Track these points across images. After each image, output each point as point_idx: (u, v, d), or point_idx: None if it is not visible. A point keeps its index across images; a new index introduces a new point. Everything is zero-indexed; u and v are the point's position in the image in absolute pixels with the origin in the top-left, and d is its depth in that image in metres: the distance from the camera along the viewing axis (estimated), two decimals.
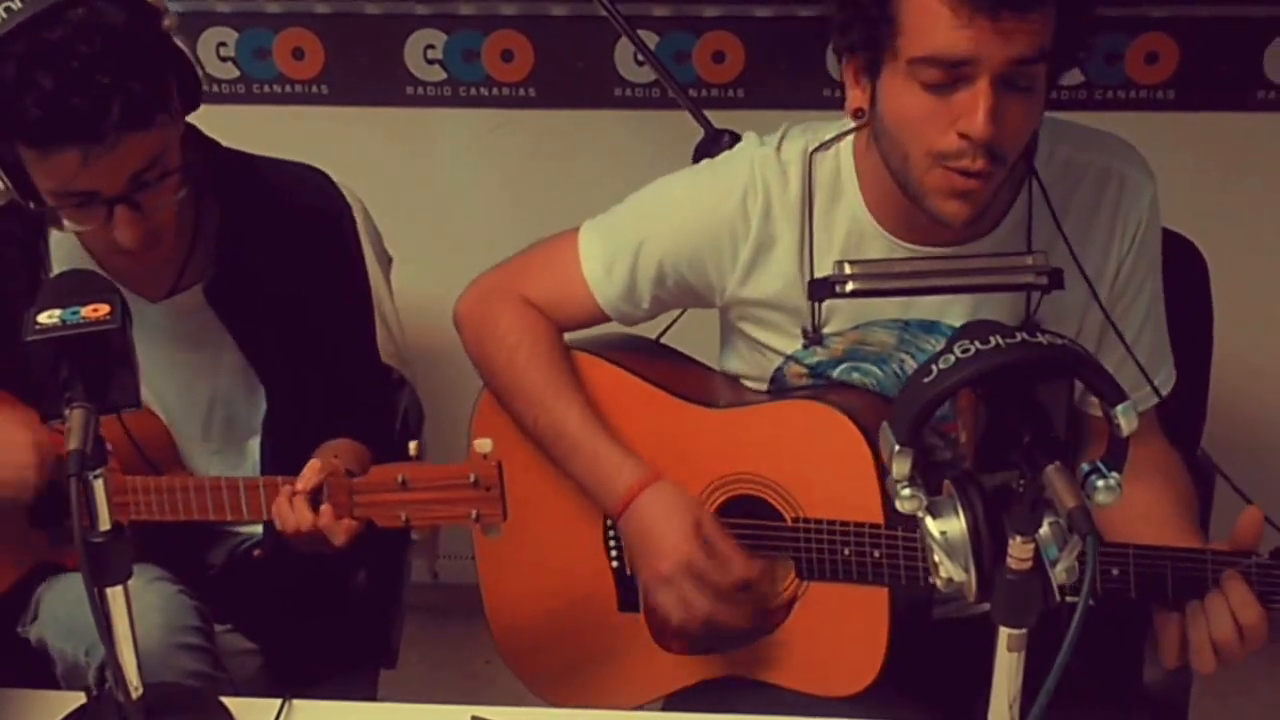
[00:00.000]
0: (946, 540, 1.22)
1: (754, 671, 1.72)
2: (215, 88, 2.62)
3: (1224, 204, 2.53)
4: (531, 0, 2.54)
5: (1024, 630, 1.22)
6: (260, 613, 1.91)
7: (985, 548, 1.21)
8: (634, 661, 1.79)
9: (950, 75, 1.42)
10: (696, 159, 2.06)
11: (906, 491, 1.22)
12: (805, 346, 1.69)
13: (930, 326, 1.65)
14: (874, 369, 1.69)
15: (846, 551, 1.63)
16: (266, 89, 2.65)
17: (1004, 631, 1.23)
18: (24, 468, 1.69)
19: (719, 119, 2.18)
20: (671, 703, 1.78)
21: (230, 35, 2.61)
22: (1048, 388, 1.21)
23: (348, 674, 1.90)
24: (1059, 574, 1.19)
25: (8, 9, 1.51)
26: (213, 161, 1.78)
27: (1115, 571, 1.49)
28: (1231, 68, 2.50)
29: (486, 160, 2.69)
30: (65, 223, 1.64)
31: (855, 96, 1.54)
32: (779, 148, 1.66)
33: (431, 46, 2.60)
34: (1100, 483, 1.20)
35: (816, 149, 1.64)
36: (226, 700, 1.56)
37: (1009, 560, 1.20)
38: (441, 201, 2.73)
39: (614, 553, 1.79)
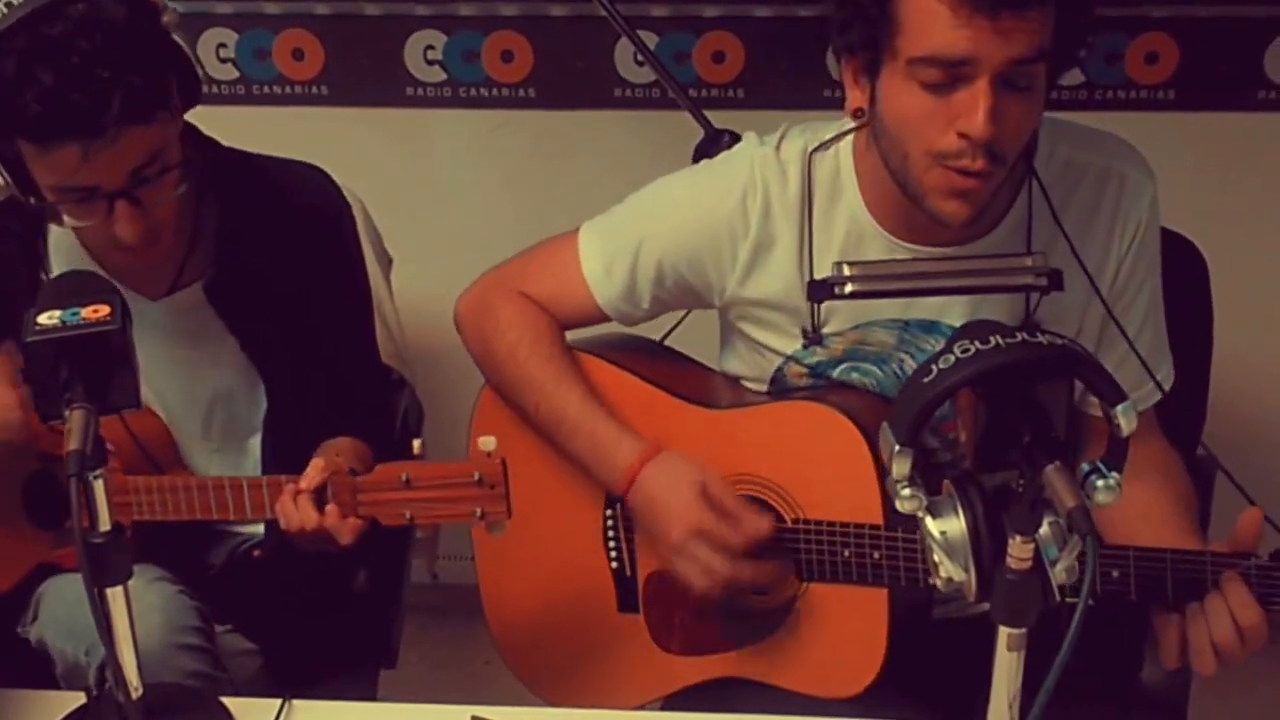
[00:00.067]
0: (946, 540, 1.22)
1: (754, 672, 1.72)
2: (215, 89, 2.62)
3: (1224, 204, 2.53)
4: (531, 0, 2.55)
5: (1023, 630, 1.22)
6: (260, 613, 1.91)
7: (985, 548, 1.21)
8: (634, 662, 1.79)
9: (950, 75, 1.42)
10: (696, 159, 2.06)
11: (906, 491, 1.22)
12: (805, 347, 1.69)
13: (930, 326, 1.65)
14: (874, 369, 1.69)
15: (846, 553, 1.63)
16: (266, 90, 2.65)
17: (1004, 631, 1.23)
18: (7, 409, 1.68)
19: (719, 119, 2.18)
20: (671, 703, 1.78)
21: (230, 36, 2.61)
22: (1048, 388, 1.21)
23: (348, 674, 1.90)
24: (1059, 574, 1.19)
25: (8, 4, 1.51)
26: (212, 159, 1.78)
27: (1116, 574, 1.49)
28: (1232, 68, 2.50)
29: (486, 160, 2.69)
30: (65, 218, 1.64)
31: (855, 96, 1.54)
32: (778, 147, 1.66)
33: (431, 47, 2.60)
34: (1100, 483, 1.20)
35: (816, 149, 1.64)
36: (226, 700, 1.56)
37: (1009, 560, 1.20)
38: (441, 202, 2.73)
39: (613, 553, 1.79)
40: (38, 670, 1.79)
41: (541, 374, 1.75)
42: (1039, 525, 1.19)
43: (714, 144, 2.10)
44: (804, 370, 1.71)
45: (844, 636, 1.66)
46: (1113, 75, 2.52)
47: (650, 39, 2.50)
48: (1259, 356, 2.64)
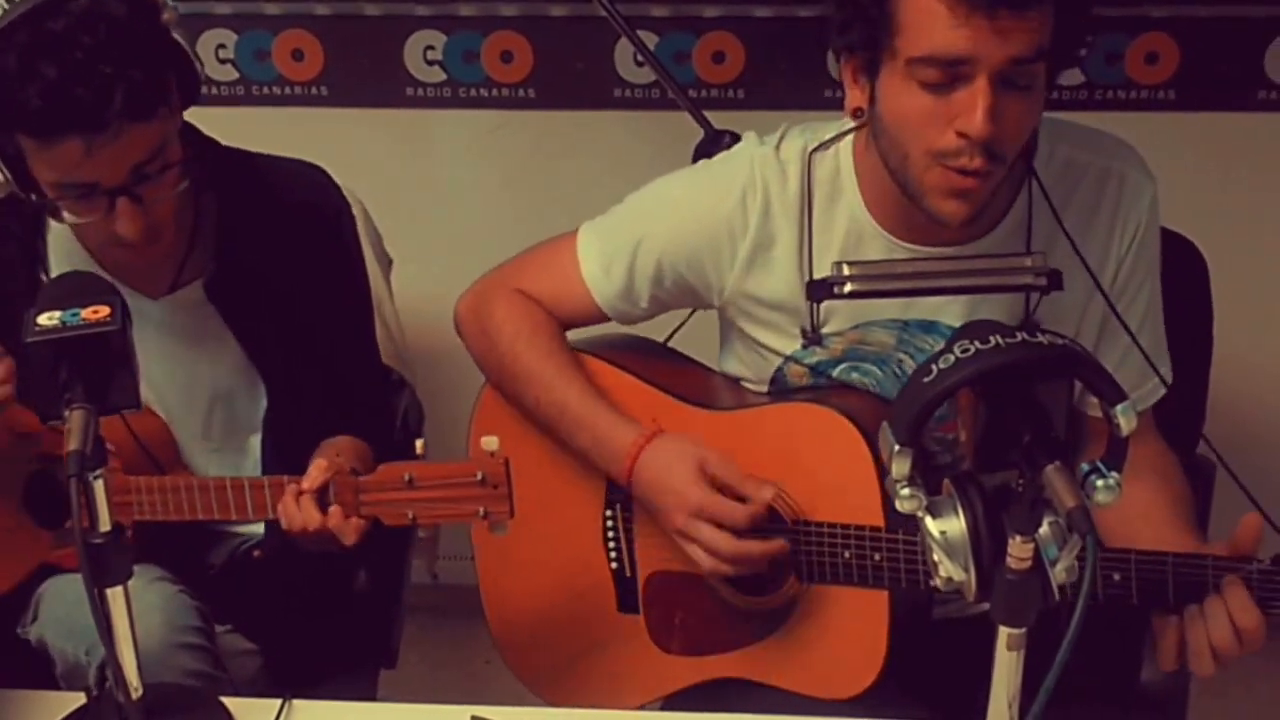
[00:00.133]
0: (946, 540, 1.22)
1: (754, 673, 1.72)
2: (215, 90, 2.62)
3: (1224, 204, 2.53)
4: (531, 1, 2.55)
5: (1023, 630, 1.22)
6: (260, 613, 1.91)
7: (985, 547, 1.21)
8: (634, 662, 1.79)
9: (949, 74, 1.42)
10: (696, 159, 2.06)
11: (906, 491, 1.22)
12: (804, 347, 1.69)
13: (929, 326, 1.65)
14: (873, 369, 1.69)
15: (847, 554, 1.63)
16: (266, 91, 2.65)
17: (1003, 631, 1.23)
18: None
19: (719, 119, 2.18)
20: (671, 703, 1.78)
21: (229, 37, 2.61)
22: (1047, 388, 1.21)
23: (348, 674, 1.90)
24: (1058, 573, 1.19)
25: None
26: (211, 158, 1.78)
27: (1117, 577, 1.49)
28: (1232, 68, 2.50)
29: (486, 161, 2.69)
30: (65, 215, 1.64)
31: (854, 96, 1.54)
32: (778, 147, 1.66)
33: (431, 47, 2.60)
34: (1100, 482, 1.20)
35: (816, 149, 1.64)
36: (226, 700, 1.56)
37: (1009, 560, 1.20)
38: (441, 202, 2.73)
39: (612, 554, 1.79)
40: (38, 670, 1.78)
41: (541, 368, 1.75)
42: (1039, 525, 1.19)
43: (714, 144, 2.10)
44: (804, 370, 1.71)
45: (844, 637, 1.66)
46: (1113, 75, 2.52)
47: (650, 39, 2.50)
48: (1259, 356, 2.64)
